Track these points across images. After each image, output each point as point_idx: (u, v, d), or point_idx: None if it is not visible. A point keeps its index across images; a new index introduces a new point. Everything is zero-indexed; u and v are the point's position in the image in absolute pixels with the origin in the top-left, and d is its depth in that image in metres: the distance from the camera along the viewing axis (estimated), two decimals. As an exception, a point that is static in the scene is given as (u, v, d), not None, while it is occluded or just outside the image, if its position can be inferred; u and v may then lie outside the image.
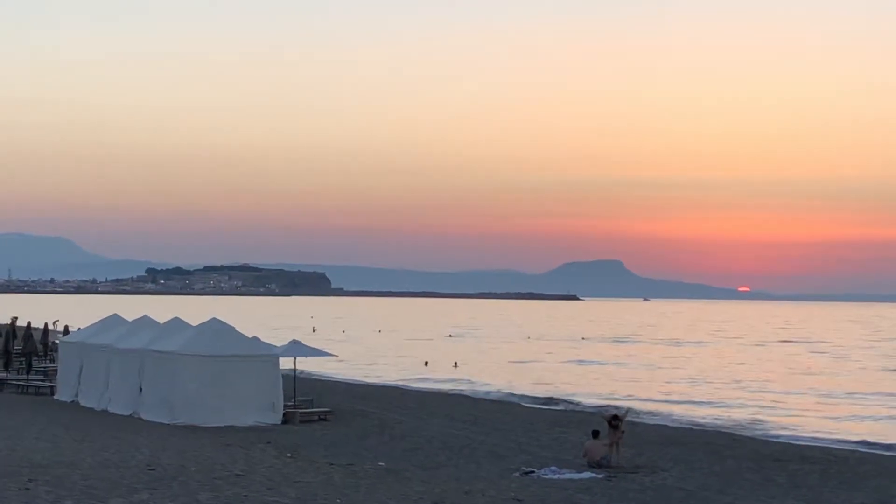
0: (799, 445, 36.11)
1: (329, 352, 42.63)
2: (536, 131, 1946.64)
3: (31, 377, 47.85)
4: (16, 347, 52.51)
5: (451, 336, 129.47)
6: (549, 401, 52.26)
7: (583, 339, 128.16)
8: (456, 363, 78.76)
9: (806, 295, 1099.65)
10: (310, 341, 49.98)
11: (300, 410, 37.35)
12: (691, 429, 40.70)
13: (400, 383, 60.88)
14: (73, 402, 40.52)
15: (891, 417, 48.02)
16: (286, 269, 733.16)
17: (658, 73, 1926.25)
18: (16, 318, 62.92)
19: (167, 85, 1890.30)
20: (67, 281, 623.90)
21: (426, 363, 79.51)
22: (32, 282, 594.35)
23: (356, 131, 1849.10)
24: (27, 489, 19.28)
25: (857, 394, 59.38)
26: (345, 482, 23.11)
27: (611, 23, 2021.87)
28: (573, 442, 32.71)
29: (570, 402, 51.48)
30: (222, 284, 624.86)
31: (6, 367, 50.02)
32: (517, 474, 26.78)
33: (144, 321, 40.87)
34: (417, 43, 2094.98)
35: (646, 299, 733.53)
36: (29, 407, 38.81)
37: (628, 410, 32.58)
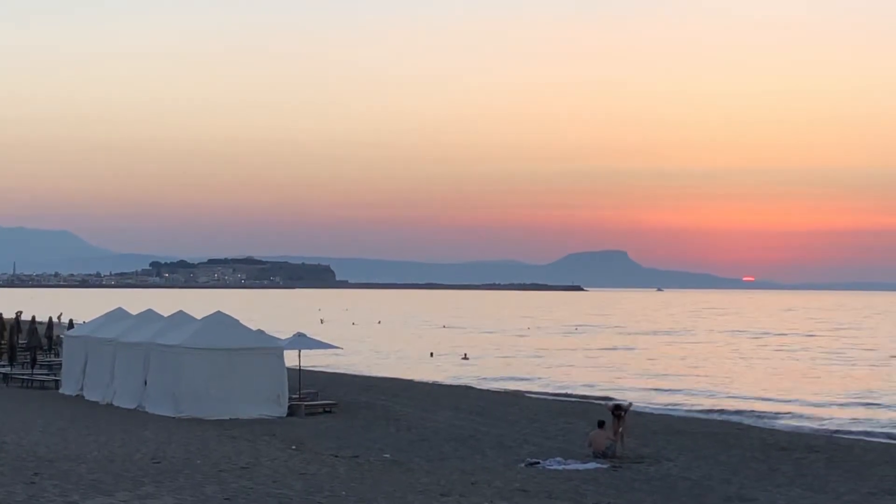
0: (804, 434, 36.08)
1: (334, 344, 42.64)
2: (540, 122, 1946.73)
3: (35, 371, 47.89)
4: (20, 342, 52.54)
5: (444, 327, 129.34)
6: (555, 391, 52.27)
7: (576, 327, 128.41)
8: (465, 354, 78.85)
9: (811, 284, 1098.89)
10: (316, 333, 50.01)
11: (305, 403, 37.36)
12: (696, 418, 40.68)
13: (405, 375, 60.86)
14: (77, 395, 40.55)
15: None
16: (290, 261, 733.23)
17: (662, 63, 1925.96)
18: (20, 312, 62.98)
19: (171, 79, 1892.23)
20: (72, 275, 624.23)
21: (431, 354, 79.59)
22: (37, 276, 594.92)
23: (359, 124, 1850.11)
24: (33, 482, 19.29)
25: (863, 383, 59.32)
26: (350, 474, 23.11)
27: (615, 12, 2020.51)
28: (578, 432, 32.70)
29: (576, 393, 51.48)
30: (226, 277, 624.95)
31: (11, 362, 50.05)
32: (522, 465, 26.79)
33: (149, 315, 40.88)
34: (420, 35, 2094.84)
35: (659, 289, 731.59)
36: (34, 401, 38.85)
37: (631, 403, 32.47)
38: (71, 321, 64.76)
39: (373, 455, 27.24)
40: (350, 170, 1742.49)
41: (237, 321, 37.31)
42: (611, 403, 31.48)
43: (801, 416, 42.83)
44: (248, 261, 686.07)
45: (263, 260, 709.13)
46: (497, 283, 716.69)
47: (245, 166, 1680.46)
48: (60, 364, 45.22)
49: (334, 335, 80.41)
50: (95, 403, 38.42)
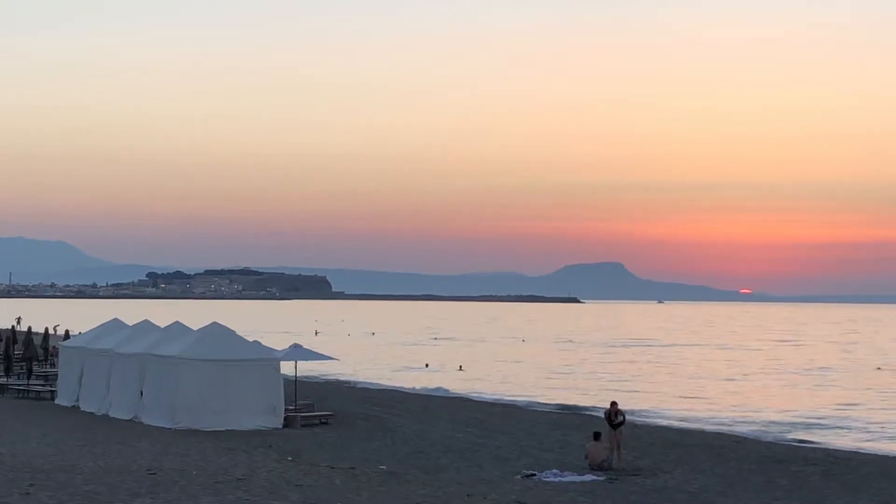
0: (801, 447, 36.05)
1: (330, 355, 42.60)
2: (537, 134, 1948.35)
3: (31, 382, 47.84)
4: (17, 352, 52.53)
5: (436, 339, 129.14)
6: (551, 404, 52.22)
7: (570, 339, 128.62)
8: (461, 366, 78.84)
9: (807, 297, 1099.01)
10: (312, 344, 49.99)
11: (301, 414, 37.32)
12: (693, 431, 40.64)
13: (401, 386, 60.81)
14: (73, 406, 40.50)
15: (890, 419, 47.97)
16: (287, 272, 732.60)
17: (659, 77, 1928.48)
18: (19, 318, 62.99)
19: (167, 90, 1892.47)
20: (68, 285, 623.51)
21: (426, 365, 79.57)
22: (33, 286, 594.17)
23: (356, 136, 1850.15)
24: (28, 493, 19.26)
25: (860, 395, 59.35)
26: (346, 485, 23.08)
27: (612, 27, 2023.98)
28: (575, 444, 32.68)
29: (572, 406, 51.42)
30: (223, 288, 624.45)
31: (7, 372, 50.02)
32: (519, 477, 26.77)
33: (145, 325, 40.86)
34: (417, 47, 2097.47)
35: (660, 302, 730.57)
36: (30, 412, 38.81)
37: (625, 415, 32.34)
38: (67, 332, 64.81)
39: (369, 467, 27.20)
40: (347, 182, 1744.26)
41: (233, 332, 37.29)
42: (607, 412, 31.27)
43: (797, 429, 42.80)
44: (245, 272, 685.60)
45: (260, 271, 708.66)
46: (494, 294, 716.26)
47: (242, 178, 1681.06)
48: (56, 375, 45.17)
49: (330, 346, 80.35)
50: (91, 414, 38.38)
